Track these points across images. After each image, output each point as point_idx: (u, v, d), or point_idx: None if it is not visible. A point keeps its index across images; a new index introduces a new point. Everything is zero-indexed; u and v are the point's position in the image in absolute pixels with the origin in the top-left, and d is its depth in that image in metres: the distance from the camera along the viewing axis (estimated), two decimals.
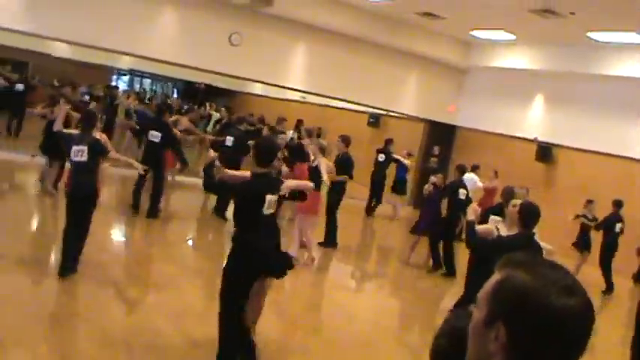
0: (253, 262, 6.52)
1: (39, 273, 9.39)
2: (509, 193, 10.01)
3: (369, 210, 19.68)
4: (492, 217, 9.45)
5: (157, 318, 8.07)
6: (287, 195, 6.91)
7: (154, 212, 14.10)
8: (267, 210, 6.54)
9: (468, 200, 13.68)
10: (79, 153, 9.00)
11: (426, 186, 14.05)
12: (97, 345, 7.22)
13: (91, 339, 7.34)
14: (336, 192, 14.21)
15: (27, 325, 7.54)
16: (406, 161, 19.95)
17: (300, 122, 23.18)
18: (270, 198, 6.52)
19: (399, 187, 20.06)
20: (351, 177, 14.58)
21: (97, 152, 9.13)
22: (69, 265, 9.10)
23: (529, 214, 7.38)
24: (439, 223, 13.59)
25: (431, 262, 13.84)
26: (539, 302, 1.64)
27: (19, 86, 22.97)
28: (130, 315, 8.57)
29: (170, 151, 14.77)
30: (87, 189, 9.12)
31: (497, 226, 8.32)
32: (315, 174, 12.32)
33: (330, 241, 14.10)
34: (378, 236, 18.92)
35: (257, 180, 6.62)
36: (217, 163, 7.31)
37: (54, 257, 9.95)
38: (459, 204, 13.53)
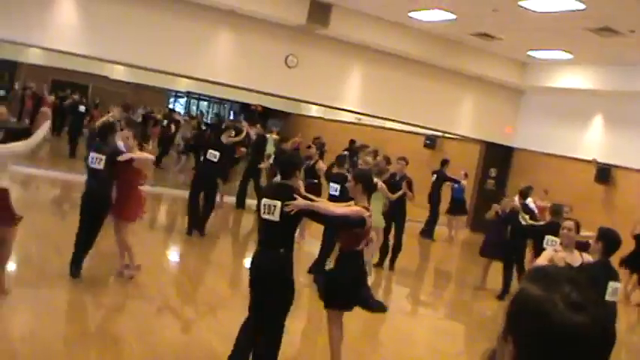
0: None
1: (94, 291, 9.45)
2: (557, 212, 9.84)
3: (426, 232, 19.42)
4: (548, 238, 9.34)
5: (210, 337, 8.07)
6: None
7: (201, 231, 14.24)
8: (265, 214, 6.62)
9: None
10: (97, 160, 9.40)
11: (488, 213, 14.01)
12: None
13: (143, 358, 7.36)
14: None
15: (80, 342, 7.60)
16: (463, 182, 19.77)
17: (352, 142, 23.23)
18: (266, 202, 6.62)
19: (455, 208, 19.84)
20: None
21: (113, 162, 9.39)
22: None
23: (612, 243, 7.32)
24: (504, 247, 13.45)
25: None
26: (542, 316, 1.59)
27: (82, 108, 23.46)
28: (182, 334, 8.59)
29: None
30: (99, 196, 9.47)
31: (556, 249, 8.19)
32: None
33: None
34: (434, 258, 18.73)
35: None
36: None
37: (110, 276, 10.02)
38: (520, 230, 13.37)
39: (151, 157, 9.56)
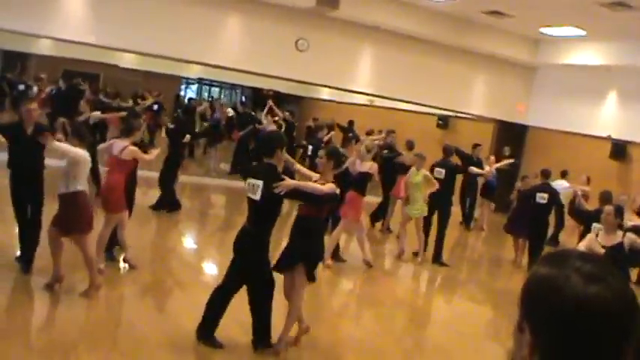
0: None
1: (108, 279, 9.46)
2: (607, 199, 9.85)
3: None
4: (594, 225, 9.40)
5: (226, 323, 8.07)
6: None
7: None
8: (248, 193, 6.95)
9: (551, 205, 13.62)
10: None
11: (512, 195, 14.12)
12: (167, 350, 7.24)
13: (162, 344, 7.36)
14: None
15: (99, 331, 7.62)
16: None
17: (351, 123, 23.32)
18: (250, 181, 6.92)
19: (489, 192, 19.31)
20: None
21: None
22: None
23: None
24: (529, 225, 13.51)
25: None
26: (556, 291, 1.52)
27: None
28: (198, 320, 8.58)
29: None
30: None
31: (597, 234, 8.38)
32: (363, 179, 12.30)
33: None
34: (464, 242, 18.55)
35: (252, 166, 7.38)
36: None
37: (123, 265, 10.03)
38: (538, 208, 13.32)
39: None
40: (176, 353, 7.20)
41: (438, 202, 13.34)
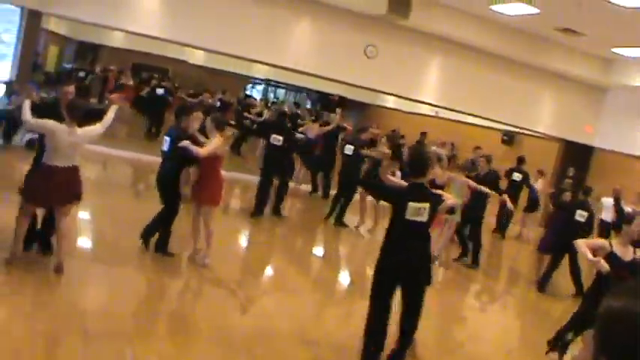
0: (383, 265, 7.00)
1: (167, 272, 9.54)
2: None
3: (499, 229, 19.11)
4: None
5: (279, 323, 8.07)
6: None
7: (277, 212, 14.55)
8: (411, 216, 6.83)
9: (589, 225, 13.35)
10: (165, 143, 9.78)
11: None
12: (215, 344, 7.27)
13: (211, 338, 7.40)
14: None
15: (150, 322, 7.70)
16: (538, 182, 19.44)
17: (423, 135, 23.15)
18: (414, 205, 6.81)
19: (530, 206, 19.42)
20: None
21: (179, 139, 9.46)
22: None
23: None
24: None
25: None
26: (632, 324, 1.48)
27: (160, 90, 23.68)
28: (251, 318, 8.61)
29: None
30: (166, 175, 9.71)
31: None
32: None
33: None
34: (507, 255, 18.44)
35: (408, 188, 7.11)
36: (385, 162, 7.88)
37: (184, 257, 10.09)
38: (575, 225, 13.08)
39: (202, 152, 9.49)
40: (226, 350, 7.22)
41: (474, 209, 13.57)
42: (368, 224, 15.71)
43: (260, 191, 14.23)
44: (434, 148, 21.29)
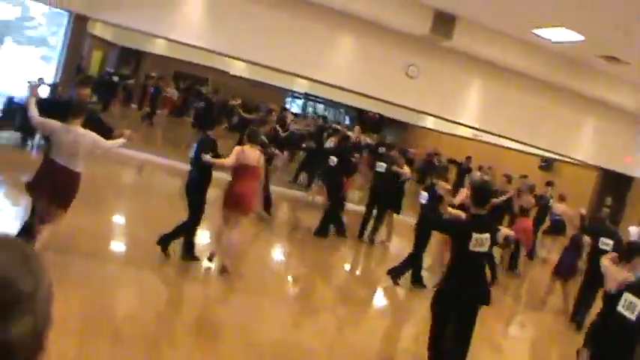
0: (442, 295, 7.21)
1: (199, 279, 9.58)
2: None
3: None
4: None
5: (309, 339, 8.06)
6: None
7: (321, 232, 14.45)
8: (474, 247, 6.95)
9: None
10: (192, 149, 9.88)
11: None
12: (245, 357, 7.27)
13: (241, 351, 7.39)
14: None
15: (180, 328, 7.71)
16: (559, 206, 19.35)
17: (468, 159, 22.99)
18: (477, 236, 6.94)
19: (553, 230, 19.31)
20: None
21: (203, 148, 9.56)
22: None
23: None
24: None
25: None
26: None
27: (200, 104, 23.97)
28: (282, 332, 8.60)
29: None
30: (193, 181, 9.77)
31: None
32: None
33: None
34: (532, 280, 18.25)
35: (470, 220, 7.29)
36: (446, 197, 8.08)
37: (216, 265, 10.11)
38: (598, 252, 12.81)
39: (219, 162, 9.59)
40: (253, 358, 7.22)
41: None
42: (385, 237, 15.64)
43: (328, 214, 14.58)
44: (477, 173, 21.30)
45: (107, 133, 8.57)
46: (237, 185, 9.71)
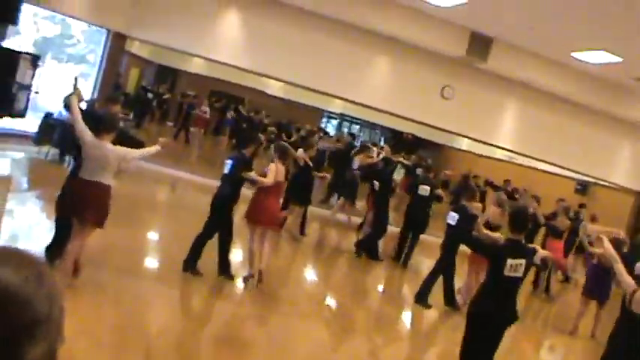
0: (476, 317, 7.18)
1: (231, 297, 9.59)
2: None
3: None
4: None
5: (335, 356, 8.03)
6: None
7: (360, 250, 14.45)
8: (508, 273, 6.94)
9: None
10: (226, 166, 9.88)
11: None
12: None
13: None
14: None
15: (212, 345, 7.73)
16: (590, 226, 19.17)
17: (506, 182, 22.83)
18: (512, 262, 6.91)
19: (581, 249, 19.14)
20: None
21: (239, 166, 9.67)
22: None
23: None
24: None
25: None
26: None
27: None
28: (308, 351, 8.57)
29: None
30: (223, 197, 9.75)
31: None
32: None
33: None
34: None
35: (506, 245, 7.23)
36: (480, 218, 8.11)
37: (248, 285, 10.11)
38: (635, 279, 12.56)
39: (267, 181, 9.63)
40: None
41: None
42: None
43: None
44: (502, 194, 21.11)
45: (138, 146, 8.62)
46: (264, 200, 9.76)
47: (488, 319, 7.08)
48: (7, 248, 1.42)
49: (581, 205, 19.16)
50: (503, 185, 23.09)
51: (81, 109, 7.97)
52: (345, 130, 41.70)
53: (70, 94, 8.11)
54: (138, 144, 8.88)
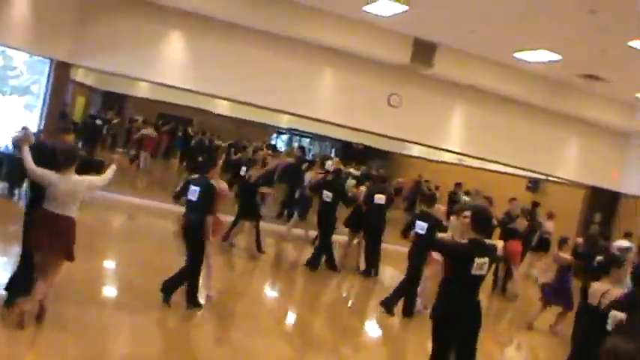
0: (443, 319, 7.22)
1: (193, 320, 9.55)
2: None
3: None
4: None
5: None
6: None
7: (313, 264, 14.40)
8: (475, 271, 7.02)
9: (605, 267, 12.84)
10: (193, 193, 9.74)
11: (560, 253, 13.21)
12: None
13: None
14: None
15: None
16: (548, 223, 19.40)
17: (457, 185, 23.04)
18: (478, 261, 7.00)
19: (540, 246, 19.34)
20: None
21: (208, 192, 9.71)
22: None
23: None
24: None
25: None
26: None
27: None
28: None
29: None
30: (195, 224, 9.64)
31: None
32: None
33: None
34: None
35: (471, 245, 7.21)
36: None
37: (207, 306, 10.07)
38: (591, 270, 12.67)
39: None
40: None
41: None
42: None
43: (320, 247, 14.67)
44: (465, 197, 21.37)
45: (99, 167, 8.59)
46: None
47: (457, 319, 7.11)
48: None
49: (535, 204, 19.32)
50: (455, 189, 23.33)
51: (31, 146, 7.84)
52: (296, 144, 41.74)
53: (19, 138, 7.97)
54: (98, 165, 8.84)
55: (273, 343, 9.39)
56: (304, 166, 18.78)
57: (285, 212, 19.35)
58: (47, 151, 7.94)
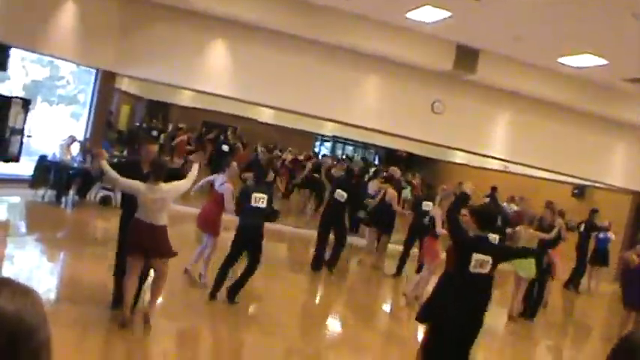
0: (440, 329, 7.10)
1: (232, 324, 9.60)
2: None
3: (571, 284, 18.78)
4: None
5: None
6: None
7: (330, 265, 14.37)
8: (475, 269, 6.88)
9: None
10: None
11: (631, 254, 13.03)
12: None
13: None
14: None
15: None
16: (610, 233, 19.13)
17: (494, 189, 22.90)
18: (478, 257, 6.88)
19: (596, 258, 19.11)
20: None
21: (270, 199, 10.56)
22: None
23: None
24: None
25: None
26: None
27: (225, 147, 24.11)
28: None
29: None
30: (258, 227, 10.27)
31: None
32: None
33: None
34: (577, 311, 18.04)
35: (473, 237, 7.18)
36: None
37: (251, 310, 10.11)
38: None
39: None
40: None
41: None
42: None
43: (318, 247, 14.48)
44: (504, 204, 21.23)
45: (179, 174, 8.93)
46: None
47: (456, 330, 6.94)
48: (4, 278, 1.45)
49: (593, 212, 18.95)
50: (491, 193, 23.09)
51: (111, 164, 8.37)
52: (339, 152, 41.73)
53: (97, 152, 8.59)
54: (176, 172, 9.36)
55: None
56: (367, 176, 18.95)
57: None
58: (132, 165, 8.49)
